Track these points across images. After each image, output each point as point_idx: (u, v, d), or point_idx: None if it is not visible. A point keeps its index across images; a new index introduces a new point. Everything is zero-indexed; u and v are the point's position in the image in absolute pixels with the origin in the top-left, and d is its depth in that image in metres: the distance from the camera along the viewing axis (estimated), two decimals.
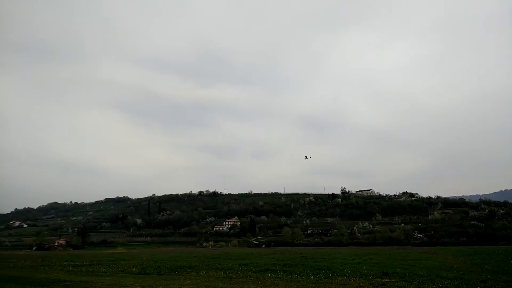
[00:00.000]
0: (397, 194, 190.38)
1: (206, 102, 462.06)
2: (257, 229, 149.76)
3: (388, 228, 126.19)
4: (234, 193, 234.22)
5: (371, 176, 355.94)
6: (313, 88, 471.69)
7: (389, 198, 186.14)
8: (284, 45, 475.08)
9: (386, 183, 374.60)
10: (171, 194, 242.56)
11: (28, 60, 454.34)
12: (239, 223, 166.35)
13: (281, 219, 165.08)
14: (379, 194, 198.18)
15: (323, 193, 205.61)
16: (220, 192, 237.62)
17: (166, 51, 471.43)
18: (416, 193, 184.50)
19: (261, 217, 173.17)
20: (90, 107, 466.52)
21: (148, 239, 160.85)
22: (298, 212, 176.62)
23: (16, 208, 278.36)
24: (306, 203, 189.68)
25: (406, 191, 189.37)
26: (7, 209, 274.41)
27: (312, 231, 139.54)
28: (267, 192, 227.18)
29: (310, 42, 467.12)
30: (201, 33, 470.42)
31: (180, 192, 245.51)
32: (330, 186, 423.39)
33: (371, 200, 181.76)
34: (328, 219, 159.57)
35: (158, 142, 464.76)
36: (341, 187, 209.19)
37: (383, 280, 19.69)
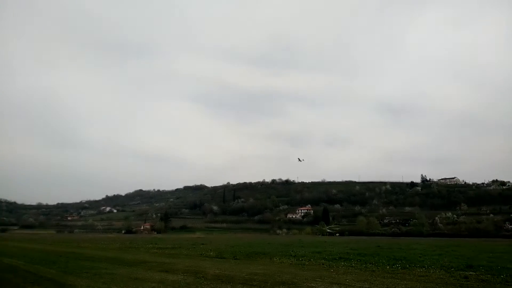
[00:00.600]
0: (485, 183, 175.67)
1: (278, 90, 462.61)
2: (330, 218, 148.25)
3: (475, 219, 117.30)
4: (307, 181, 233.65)
5: (455, 163, 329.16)
6: (390, 71, 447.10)
7: (476, 186, 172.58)
8: (357, 27, 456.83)
9: (473, 170, 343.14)
10: (245, 182, 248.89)
11: (112, 59, 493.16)
12: (312, 211, 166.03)
13: (356, 208, 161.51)
14: (465, 183, 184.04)
15: (401, 181, 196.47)
16: (293, 180, 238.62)
17: (238, 41, 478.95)
18: (508, 181, 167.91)
19: (335, 205, 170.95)
20: (169, 100, 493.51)
21: (224, 225, 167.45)
22: (374, 201, 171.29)
23: (106, 195, 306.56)
24: (382, 191, 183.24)
25: (496, 179, 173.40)
26: (99, 196, 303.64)
27: (388, 221, 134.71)
28: (340, 180, 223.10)
29: (386, 20, 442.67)
30: (274, 20, 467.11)
31: (253, 180, 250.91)
32: (409, 174, 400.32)
33: (455, 188, 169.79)
34: (407, 208, 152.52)
35: (232, 131, 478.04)
36: (421, 175, 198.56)
37: (467, 273, 18.55)
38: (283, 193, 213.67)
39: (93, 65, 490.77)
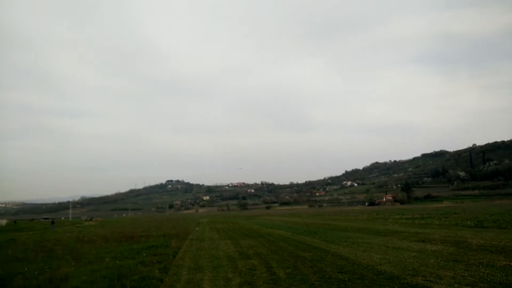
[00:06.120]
0: None
1: None
2: None
3: None
4: None
5: None
6: None
7: None
8: None
9: None
10: (496, 142, 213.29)
11: (325, 40, 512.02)
12: None
13: None
14: None
15: None
16: None
17: None
18: None
19: None
20: (390, 67, 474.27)
21: (476, 192, 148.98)
22: None
23: (346, 170, 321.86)
24: None
25: None
26: (339, 172, 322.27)
27: None
28: None
29: None
30: None
31: (506, 138, 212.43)
32: None
33: None
34: None
35: (465, 87, 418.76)
36: None
37: None
38: None
39: (309, 51, 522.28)
